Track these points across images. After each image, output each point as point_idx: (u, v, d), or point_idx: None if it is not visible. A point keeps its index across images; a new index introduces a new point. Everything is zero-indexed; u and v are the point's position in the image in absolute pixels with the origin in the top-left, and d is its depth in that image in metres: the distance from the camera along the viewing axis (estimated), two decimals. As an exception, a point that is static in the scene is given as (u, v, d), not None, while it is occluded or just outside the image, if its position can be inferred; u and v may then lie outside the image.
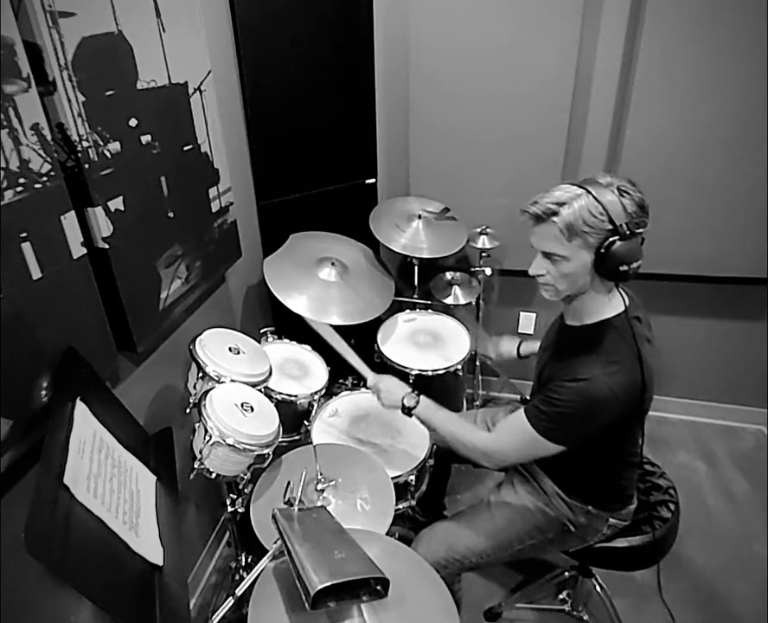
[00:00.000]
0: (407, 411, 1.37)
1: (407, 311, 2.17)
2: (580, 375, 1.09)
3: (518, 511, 1.35)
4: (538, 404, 1.16)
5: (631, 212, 1.03)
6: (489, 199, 2.22)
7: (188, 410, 1.30)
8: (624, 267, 1.04)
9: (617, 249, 1.03)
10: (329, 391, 1.72)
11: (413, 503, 1.51)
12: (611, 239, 1.03)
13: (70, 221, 1.02)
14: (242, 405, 1.21)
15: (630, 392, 1.09)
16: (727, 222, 2.01)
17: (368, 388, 1.50)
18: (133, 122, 1.22)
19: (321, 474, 1.27)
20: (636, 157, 1.99)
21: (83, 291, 1.09)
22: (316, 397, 1.62)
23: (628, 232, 1.03)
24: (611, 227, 1.03)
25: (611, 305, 1.16)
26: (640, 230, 1.06)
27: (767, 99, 1.81)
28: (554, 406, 1.12)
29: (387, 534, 1.21)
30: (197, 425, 1.18)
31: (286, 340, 1.82)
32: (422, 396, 1.38)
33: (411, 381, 1.80)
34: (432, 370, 1.81)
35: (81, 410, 0.97)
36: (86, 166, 1.08)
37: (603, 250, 1.04)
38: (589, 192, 1.04)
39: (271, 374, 1.43)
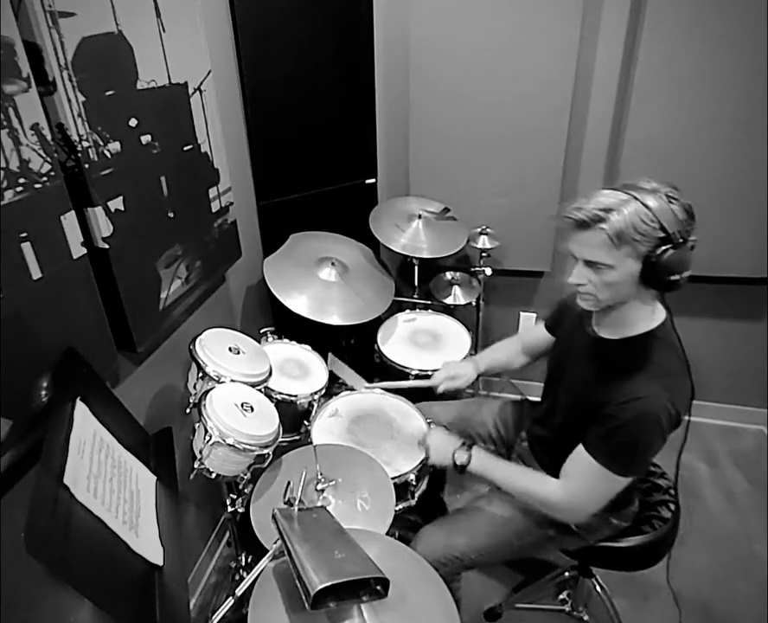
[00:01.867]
0: (460, 469, 1.29)
1: (407, 311, 2.17)
2: (638, 394, 1.04)
3: (518, 508, 1.34)
4: (601, 437, 1.09)
5: (682, 219, 0.99)
6: (490, 199, 2.22)
7: (188, 410, 1.30)
8: (675, 277, 1.00)
9: (669, 258, 0.98)
10: (329, 391, 1.72)
11: (413, 503, 1.51)
12: (662, 247, 0.99)
13: (70, 221, 1.02)
14: (242, 405, 1.21)
15: (685, 402, 1.07)
16: (727, 222, 2.01)
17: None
18: (133, 122, 1.22)
19: (321, 474, 1.27)
20: (636, 157, 1.99)
21: (83, 291, 1.09)
22: (316, 397, 1.62)
23: (681, 239, 0.98)
24: (663, 234, 0.98)
25: (652, 315, 1.12)
26: (691, 238, 1.02)
27: (767, 99, 1.81)
28: (618, 435, 1.06)
29: (387, 534, 1.21)
30: (197, 425, 1.18)
31: (286, 340, 1.82)
32: (474, 448, 1.31)
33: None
34: (432, 370, 1.80)
35: (81, 410, 0.97)
36: (86, 166, 1.08)
37: (653, 259, 0.99)
38: (636, 198, 0.99)
39: (271, 374, 1.42)
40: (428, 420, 1.62)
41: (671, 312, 1.14)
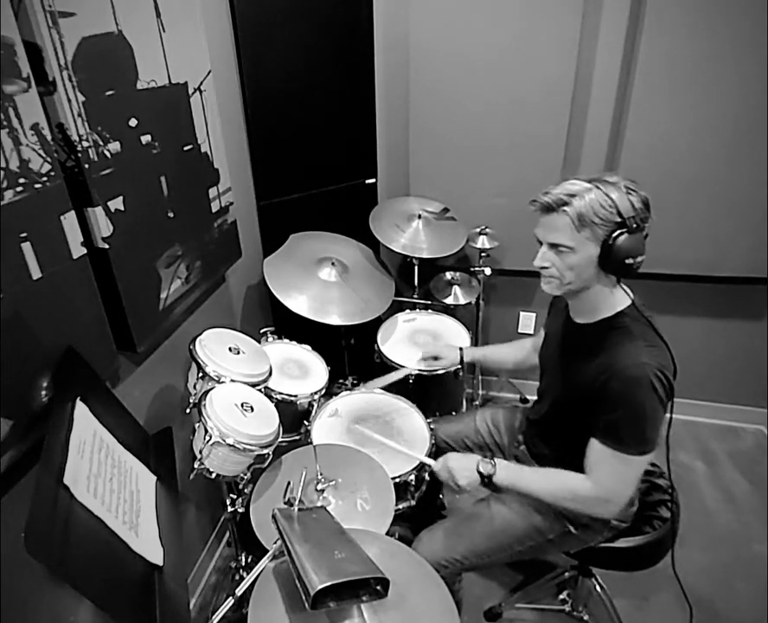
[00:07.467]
0: (487, 480, 1.26)
1: (407, 311, 2.17)
2: (624, 363, 1.08)
3: (518, 513, 1.34)
4: (604, 422, 1.11)
5: (638, 208, 1.06)
6: (489, 199, 2.22)
7: (188, 410, 1.30)
8: (630, 260, 1.06)
9: (623, 242, 1.05)
10: (329, 391, 1.72)
11: (413, 503, 1.51)
12: (618, 231, 1.05)
13: (70, 221, 1.02)
14: (242, 405, 1.21)
15: (671, 372, 1.09)
16: (727, 222, 2.01)
17: (434, 474, 1.39)
18: (133, 122, 1.22)
19: (321, 474, 1.27)
20: (636, 157, 1.99)
21: (83, 291, 1.09)
22: (316, 397, 1.62)
23: (635, 225, 1.05)
24: (619, 219, 1.05)
25: (618, 300, 1.17)
26: (645, 225, 1.08)
27: (767, 99, 1.81)
28: (618, 413, 1.08)
29: (387, 534, 1.21)
30: (197, 425, 1.18)
31: (286, 340, 1.82)
32: (497, 459, 1.29)
33: (411, 381, 1.80)
34: (432, 370, 1.81)
35: (81, 410, 0.97)
36: (86, 166, 1.08)
37: (610, 242, 1.06)
38: (598, 187, 1.07)
39: (271, 374, 1.43)
40: (428, 421, 1.62)
41: (633, 299, 1.18)
